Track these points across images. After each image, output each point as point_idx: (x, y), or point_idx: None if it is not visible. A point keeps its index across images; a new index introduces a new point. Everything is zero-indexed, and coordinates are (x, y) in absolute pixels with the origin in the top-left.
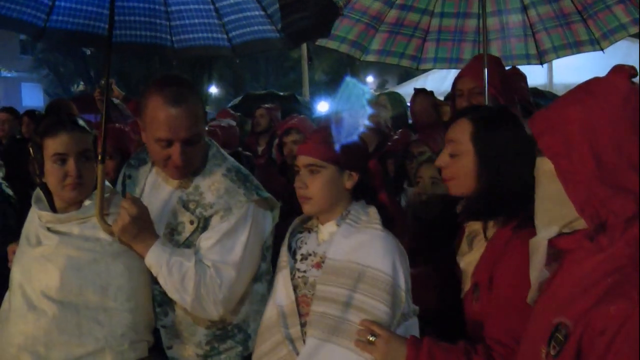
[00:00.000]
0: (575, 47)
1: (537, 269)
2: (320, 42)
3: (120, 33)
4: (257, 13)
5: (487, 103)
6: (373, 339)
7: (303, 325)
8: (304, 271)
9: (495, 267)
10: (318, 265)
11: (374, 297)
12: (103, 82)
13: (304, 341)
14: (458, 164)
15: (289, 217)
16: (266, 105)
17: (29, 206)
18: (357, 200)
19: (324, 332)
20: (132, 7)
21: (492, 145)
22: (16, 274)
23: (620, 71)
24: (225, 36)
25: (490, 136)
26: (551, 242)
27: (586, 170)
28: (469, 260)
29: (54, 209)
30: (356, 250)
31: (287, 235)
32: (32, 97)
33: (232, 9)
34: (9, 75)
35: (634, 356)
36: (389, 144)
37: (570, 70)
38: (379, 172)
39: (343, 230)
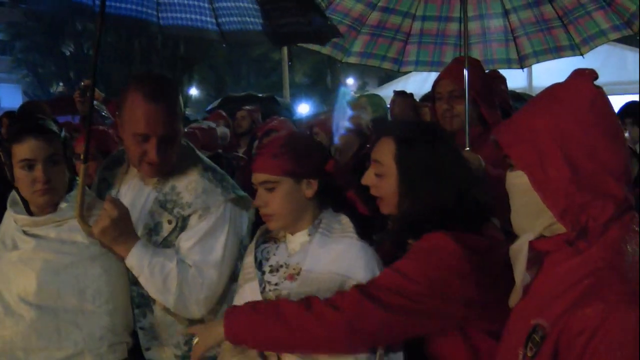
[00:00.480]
0: (555, 52)
1: (520, 272)
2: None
3: (108, 4)
4: (250, 5)
5: (467, 106)
6: (195, 340)
7: None
8: (276, 284)
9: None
10: (291, 277)
11: None
12: (83, 83)
13: (278, 358)
14: (383, 183)
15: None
16: (247, 107)
17: (4, 209)
18: (325, 206)
19: None
20: None
21: (413, 166)
22: None
23: (582, 75)
24: (214, 20)
25: (412, 156)
26: (531, 245)
27: (562, 178)
28: None
29: (30, 212)
30: (335, 260)
31: (252, 246)
32: (11, 98)
33: None
34: None
35: (610, 357)
36: (368, 146)
37: (550, 74)
38: (340, 170)
39: (318, 240)
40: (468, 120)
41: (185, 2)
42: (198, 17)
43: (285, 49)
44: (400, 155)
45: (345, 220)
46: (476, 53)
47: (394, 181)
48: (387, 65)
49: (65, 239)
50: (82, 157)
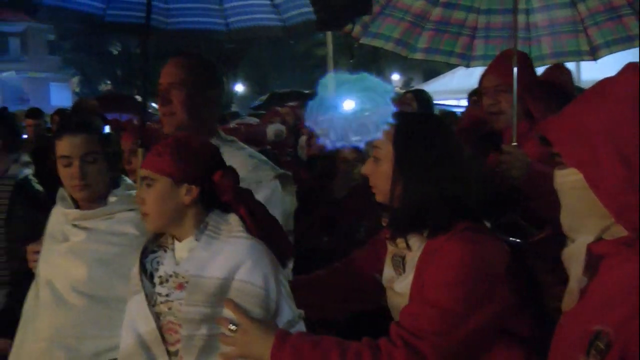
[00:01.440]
0: (628, 41)
1: (577, 276)
2: (364, 40)
3: (114, 13)
4: (262, 2)
5: (515, 100)
6: (234, 328)
7: (174, 354)
8: (167, 295)
9: (424, 272)
10: (181, 287)
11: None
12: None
13: None
14: (379, 168)
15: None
16: (290, 104)
17: (50, 204)
18: (211, 208)
19: (200, 355)
20: None
21: (409, 150)
22: (43, 271)
23: (635, 69)
24: (222, 21)
25: (410, 141)
26: (589, 248)
27: (617, 176)
28: (406, 283)
29: (77, 207)
30: (221, 263)
31: (138, 256)
32: (60, 96)
33: None
34: (37, 75)
35: None
36: None
37: (598, 66)
38: (229, 186)
39: (203, 243)
40: (515, 115)
41: (195, 5)
42: (206, 19)
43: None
44: (398, 139)
45: (233, 219)
46: (545, 46)
47: (390, 166)
48: (454, 60)
49: (115, 231)
50: (140, 143)
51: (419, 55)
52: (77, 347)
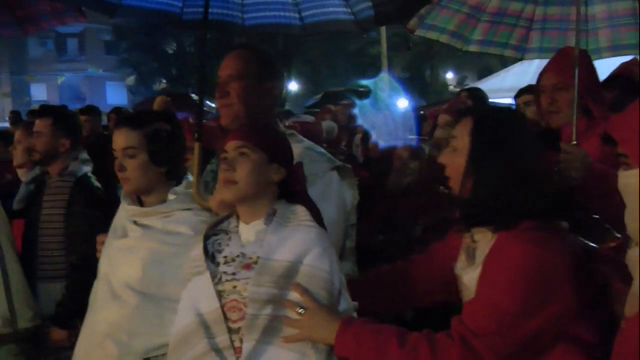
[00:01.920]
0: None
1: None
2: (420, 32)
3: (191, 11)
4: None
5: (575, 98)
6: (302, 311)
7: (236, 332)
8: (233, 274)
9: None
10: (248, 267)
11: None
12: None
13: (234, 349)
14: (455, 158)
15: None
16: (343, 102)
17: (112, 198)
18: (278, 199)
19: (262, 334)
20: None
21: (485, 142)
22: (103, 264)
23: None
24: (297, 15)
25: (486, 135)
26: None
27: None
28: (473, 275)
29: (141, 203)
30: (291, 248)
31: (200, 238)
32: (116, 95)
33: None
34: (94, 74)
35: None
36: None
37: None
38: (303, 178)
39: (273, 228)
40: (575, 113)
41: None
42: (281, 13)
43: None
44: (475, 131)
45: (299, 209)
46: (602, 39)
47: (465, 156)
48: (509, 53)
49: (170, 230)
50: (195, 136)
51: (473, 48)
52: (128, 342)
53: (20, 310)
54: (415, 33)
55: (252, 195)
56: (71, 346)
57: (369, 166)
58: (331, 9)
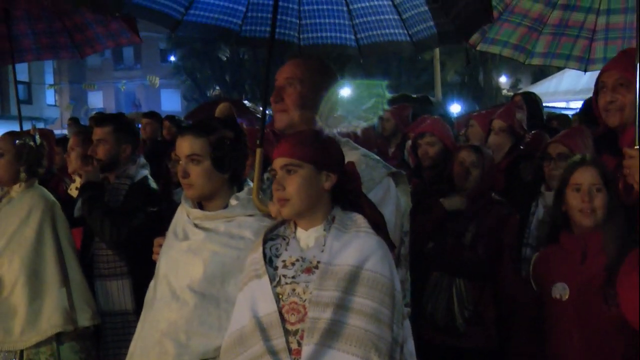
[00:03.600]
0: None
1: None
2: (482, 47)
3: (250, 29)
4: (391, 17)
5: (637, 98)
6: None
7: (294, 333)
8: (292, 277)
9: None
10: (309, 271)
11: (374, 300)
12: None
13: (290, 352)
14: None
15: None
16: (391, 108)
17: (167, 201)
18: (335, 204)
19: (323, 337)
20: (264, 4)
21: None
22: (162, 265)
23: None
24: (353, 37)
25: None
26: None
27: None
28: None
29: (200, 207)
30: (352, 253)
31: (259, 242)
32: (171, 102)
33: (367, 12)
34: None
35: None
36: (522, 147)
37: None
38: (358, 176)
39: (333, 234)
40: (638, 114)
41: (327, 21)
42: (338, 34)
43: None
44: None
45: (357, 217)
46: None
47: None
48: (572, 65)
49: (233, 234)
50: (258, 142)
51: (536, 61)
52: (186, 342)
53: (80, 310)
54: (477, 48)
55: (307, 207)
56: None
57: (420, 173)
58: (388, 31)
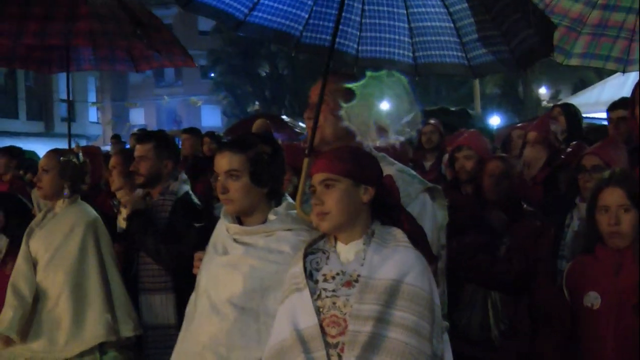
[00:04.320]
0: None
1: None
2: None
3: (310, 35)
4: (451, 39)
5: None
6: None
7: (334, 346)
8: (333, 290)
9: None
10: (349, 284)
11: (414, 314)
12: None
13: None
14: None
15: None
16: (432, 121)
17: (208, 216)
18: (373, 218)
19: (363, 350)
20: (327, 12)
21: None
22: (203, 279)
23: None
24: (411, 54)
25: None
26: None
27: None
28: None
29: (240, 222)
30: (391, 267)
31: (300, 256)
32: (211, 117)
33: (428, 31)
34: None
35: None
36: (562, 157)
37: None
38: (396, 189)
39: (373, 249)
40: None
41: (387, 35)
42: (395, 50)
43: None
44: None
45: (396, 231)
46: None
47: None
48: (611, 65)
49: (273, 248)
50: (306, 152)
51: (574, 61)
52: (227, 355)
53: (122, 320)
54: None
55: (346, 220)
56: None
57: (458, 186)
58: (446, 52)
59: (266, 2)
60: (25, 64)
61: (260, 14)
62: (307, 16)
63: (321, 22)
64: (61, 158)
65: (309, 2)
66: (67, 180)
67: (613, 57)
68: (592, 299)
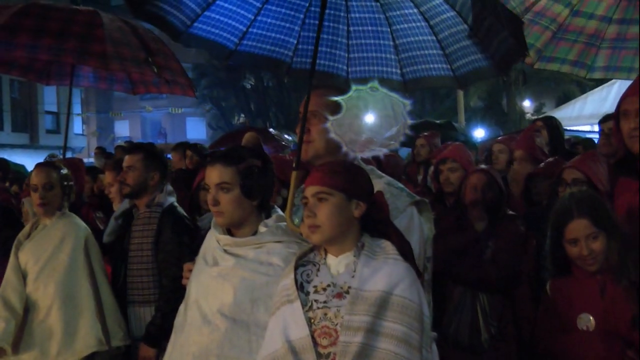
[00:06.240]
0: None
1: None
2: (539, 65)
3: (300, 60)
4: (435, 52)
5: None
6: None
7: (326, 357)
8: (324, 302)
9: None
10: (340, 296)
11: (404, 325)
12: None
13: None
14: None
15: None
16: (424, 134)
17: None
18: (364, 231)
19: None
20: (313, 37)
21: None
22: (192, 290)
23: None
24: (399, 71)
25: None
26: None
27: None
28: None
29: (229, 233)
30: (381, 279)
31: (291, 268)
32: (196, 130)
33: (412, 46)
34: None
35: None
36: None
37: None
38: (386, 205)
39: (363, 261)
40: None
41: (374, 55)
42: (383, 68)
43: None
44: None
45: (385, 244)
46: None
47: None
48: (635, 77)
49: (262, 260)
50: (294, 165)
51: (597, 75)
52: None
53: (113, 330)
54: (535, 66)
55: (337, 234)
56: None
57: (442, 199)
58: (432, 65)
59: (255, 30)
60: (24, 73)
61: (250, 43)
62: (295, 42)
63: (310, 47)
64: (62, 172)
65: (296, 28)
66: (66, 193)
67: (636, 69)
68: (586, 322)
